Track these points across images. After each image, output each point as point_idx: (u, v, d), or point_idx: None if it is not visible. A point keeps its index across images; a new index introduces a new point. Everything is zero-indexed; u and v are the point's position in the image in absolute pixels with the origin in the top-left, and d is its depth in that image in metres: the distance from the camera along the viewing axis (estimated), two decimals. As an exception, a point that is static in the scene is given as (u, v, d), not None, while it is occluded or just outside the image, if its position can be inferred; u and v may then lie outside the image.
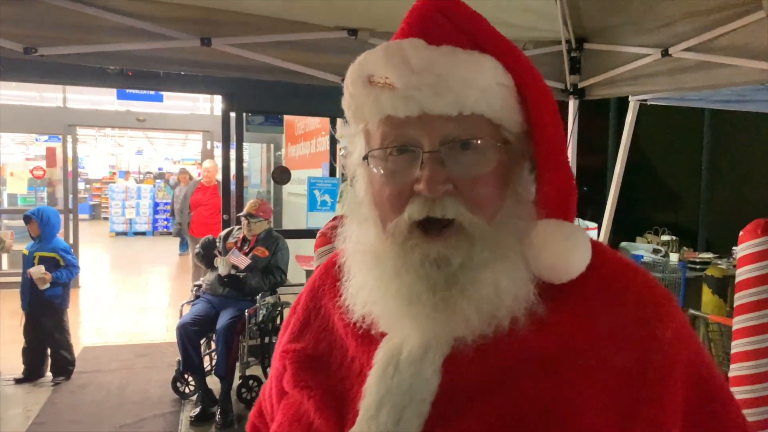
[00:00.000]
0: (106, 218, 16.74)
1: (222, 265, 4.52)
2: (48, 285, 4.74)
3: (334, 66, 3.04)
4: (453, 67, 0.70)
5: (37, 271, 4.72)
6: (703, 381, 0.73)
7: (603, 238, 3.83)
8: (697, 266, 4.82)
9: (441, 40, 0.72)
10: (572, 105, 3.63)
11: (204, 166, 8.30)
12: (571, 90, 3.55)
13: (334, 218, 3.78)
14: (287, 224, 8.04)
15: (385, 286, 0.73)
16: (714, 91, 3.47)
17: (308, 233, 5.35)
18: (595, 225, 5.22)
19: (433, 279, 0.70)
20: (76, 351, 5.24)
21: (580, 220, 4.46)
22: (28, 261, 4.82)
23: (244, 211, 4.67)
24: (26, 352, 4.92)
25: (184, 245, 11.22)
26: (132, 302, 8.11)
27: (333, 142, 6.28)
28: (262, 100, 5.44)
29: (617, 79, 3.30)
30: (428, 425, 0.68)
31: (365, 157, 0.75)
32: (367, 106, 0.73)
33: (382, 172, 0.73)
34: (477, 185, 0.71)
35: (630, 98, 3.65)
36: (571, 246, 0.72)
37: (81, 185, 16.44)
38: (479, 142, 0.71)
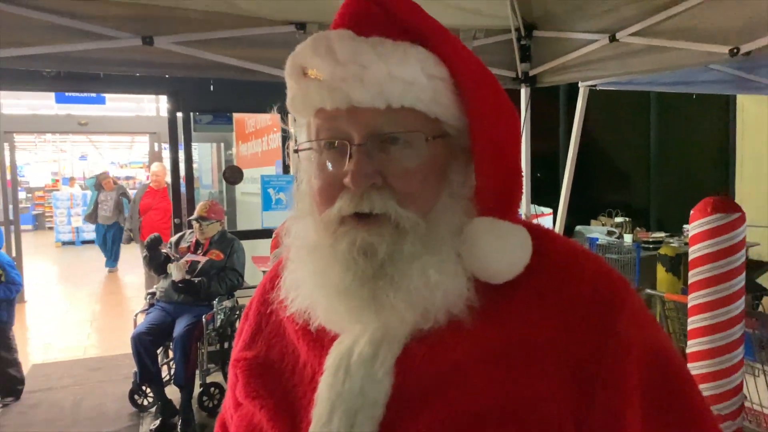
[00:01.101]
0: (51, 228, 16.08)
1: (176, 271, 4.37)
2: None
3: (282, 61, 2.92)
4: (377, 58, 0.68)
5: None
6: (661, 362, 0.73)
7: (559, 222, 3.88)
8: (651, 246, 4.94)
9: (370, 31, 0.70)
10: (524, 93, 3.66)
11: (152, 170, 8.07)
12: (523, 78, 3.57)
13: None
14: (242, 225, 7.88)
15: (317, 280, 0.72)
16: (661, 74, 3.54)
17: (264, 233, 5.24)
18: (550, 210, 5.30)
19: (360, 268, 0.69)
20: (25, 369, 5.00)
21: (534, 206, 4.52)
22: None
23: (195, 215, 4.53)
24: None
25: (111, 261, 10.54)
26: (82, 315, 7.81)
27: (285, 138, 6.16)
28: (210, 98, 5.29)
29: (567, 66, 3.34)
30: (383, 428, 0.67)
31: (296, 150, 0.75)
32: (299, 98, 0.72)
33: (315, 165, 0.73)
34: (407, 179, 0.70)
35: (580, 84, 3.69)
36: (500, 246, 0.71)
37: (22, 194, 15.74)
38: (408, 135, 0.70)
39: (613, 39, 2.96)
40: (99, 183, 10.01)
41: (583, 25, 3.12)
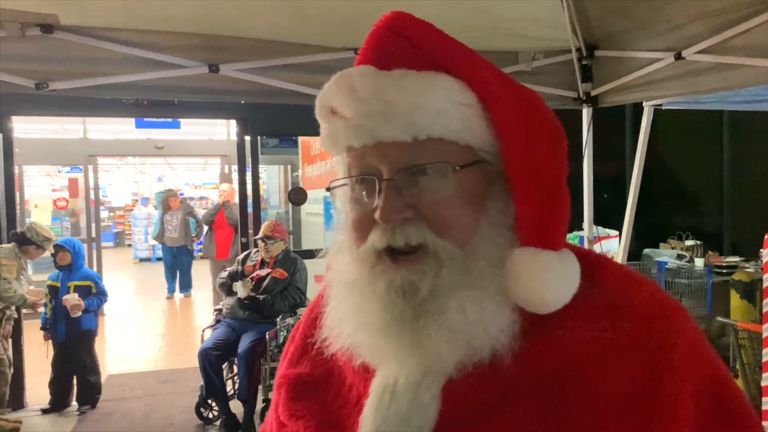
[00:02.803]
0: (129, 245, 16.95)
1: (241, 288, 4.52)
2: (80, 313, 4.81)
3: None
4: (400, 92, 0.67)
5: (73, 298, 4.78)
6: (719, 397, 0.69)
7: (623, 245, 3.77)
8: (724, 271, 4.68)
9: (393, 63, 0.70)
10: (586, 113, 3.59)
11: (221, 189, 8.38)
12: (584, 98, 3.51)
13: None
14: (306, 244, 8.05)
15: (358, 318, 0.71)
16: (730, 92, 3.40)
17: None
18: (616, 233, 5.14)
19: (399, 309, 0.68)
20: (102, 379, 5.27)
21: (597, 228, 4.39)
22: (62, 291, 4.86)
23: (260, 234, 4.69)
24: (54, 382, 4.94)
25: (186, 287, 10.09)
26: (155, 328, 8.16)
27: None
28: (276, 122, 5.48)
29: (630, 85, 3.25)
30: None
31: (328, 188, 0.75)
32: (329, 137, 0.73)
33: (350, 200, 0.73)
34: (441, 208, 0.69)
35: (644, 104, 3.59)
36: (544, 278, 0.68)
37: (104, 213, 16.69)
38: (435, 166, 0.68)
39: (678, 57, 2.87)
40: (166, 201, 9.80)
41: (647, 43, 3.04)
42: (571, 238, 5.57)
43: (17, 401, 4.92)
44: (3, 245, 4.73)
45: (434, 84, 0.69)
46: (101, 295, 5.03)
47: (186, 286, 10.08)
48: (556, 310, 0.69)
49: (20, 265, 4.66)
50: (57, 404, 4.92)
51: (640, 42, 3.09)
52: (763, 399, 2.50)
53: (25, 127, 9.46)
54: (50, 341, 4.96)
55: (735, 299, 3.79)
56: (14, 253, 4.62)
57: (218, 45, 2.73)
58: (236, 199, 7.55)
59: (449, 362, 0.68)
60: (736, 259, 5.07)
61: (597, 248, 4.96)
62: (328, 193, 0.77)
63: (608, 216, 5.46)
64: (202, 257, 9.46)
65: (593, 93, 3.48)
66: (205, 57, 2.72)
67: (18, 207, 6.11)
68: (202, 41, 2.69)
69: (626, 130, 7.32)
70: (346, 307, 0.74)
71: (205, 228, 8.25)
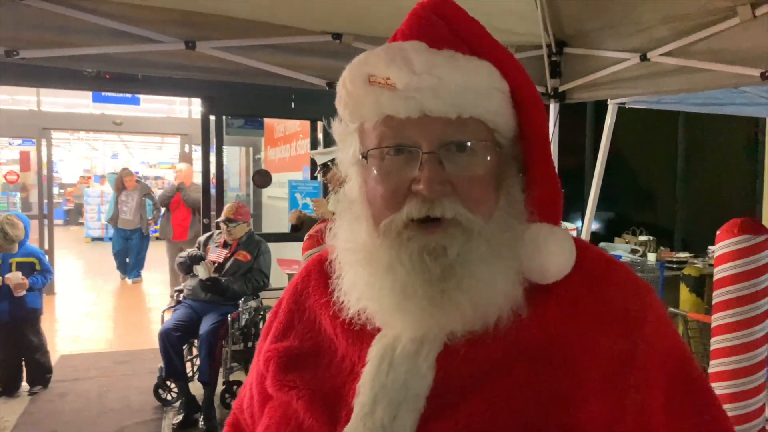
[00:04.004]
0: (81, 223, 16.45)
1: (203, 270, 4.48)
2: (24, 291, 4.65)
3: (318, 69, 3.04)
4: (453, 71, 0.71)
5: (15, 277, 4.62)
6: (683, 367, 0.78)
7: (583, 238, 3.90)
8: (674, 266, 4.91)
9: (441, 44, 0.74)
10: (553, 108, 3.68)
11: (178, 168, 8.19)
12: (552, 93, 3.60)
13: (322, 221, 3.79)
14: (267, 228, 8.00)
15: (378, 282, 0.74)
16: (691, 94, 3.55)
17: (289, 237, 5.33)
18: (574, 226, 5.30)
19: (428, 270, 0.71)
20: (53, 359, 5.14)
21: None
22: (4, 269, 4.70)
23: (222, 216, 4.64)
24: (2, 365, 4.76)
25: (136, 272, 9.42)
26: (109, 308, 7.99)
27: (314, 144, 6.28)
28: (243, 103, 5.42)
29: (597, 83, 3.36)
30: (423, 420, 0.70)
31: (364, 156, 0.75)
32: (366, 105, 0.73)
33: (378, 171, 0.74)
34: (473, 186, 0.73)
35: (609, 101, 3.71)
36: (560, 250, 0.75)
37: (56, 190, 16.14)
38: (476, 144, 0.73)
39: (644, 58, 2.98)
40: (120, 180, 9.16)
41: (615, 43, 3.15)
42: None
43: (-36, 382, 4.75)
44: None
45: (480, 68, 0.74)
46: (46, 273, 4.84)
47: (136, 269, 9.49)
48: (557, 280, 0.75)
49: None
50: (7, 387, 4.75)
51: (608, 41, 3.19)
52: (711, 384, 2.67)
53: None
54: None
55: (684, 293, 3.98)
56: None
57: (196, 21, 2.68)
58: (195, 180, 7.43)
59: (466, 323, 0.72)
60: (686, 255, 5.32)
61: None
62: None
63: (566, 210, 5.63)
64: (157, 238, 8.97)
65: (561, 89, 3.58)
66: (181, 33, 2.68)
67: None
68: (181, 17, 2.65)
69: (587, 125, 7.52)
70: (361, 274, 0.76)
71: (162, 210, 7.97)
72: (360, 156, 0.76)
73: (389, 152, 0.73)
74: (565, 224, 5.62)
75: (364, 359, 0.75)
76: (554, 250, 0.74)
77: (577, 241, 0.81)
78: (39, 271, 4.80)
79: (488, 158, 0.74)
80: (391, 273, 0.72)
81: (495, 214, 0.75)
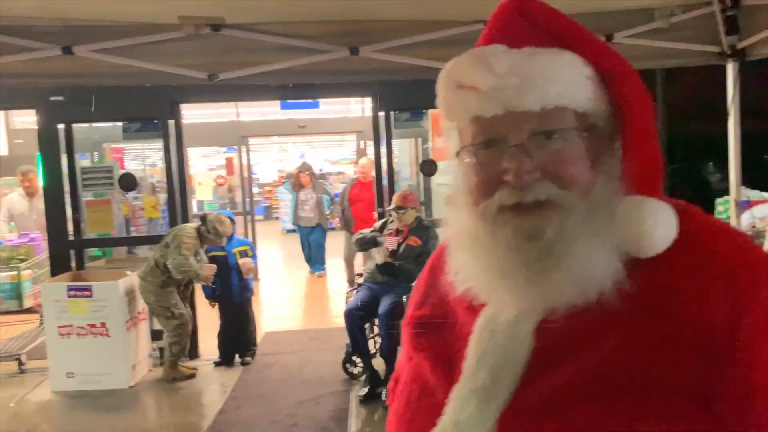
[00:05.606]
0: (277, 218, 18.28)
1: (378, 255, 4.86)
2: (252, 275, 5.50)
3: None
4: (534, 68, 0.76)
5: (249, 261, 5.48)
6: None
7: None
8: None
9: (522, 42, 0.79)
10: (731, 68, 3.41)
11: (360, 163, 8.70)
12: (729, 52, 3.33)
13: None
14: (437, 213, 8.25)
15: (480, 263, 0.80)
16: None
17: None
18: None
19: (524, 252, 0.75)
20: (259, 336, 5.92)
21: (749, 192, 4.11)
22: (231, 257, 5.46)
23: (392, 205, 4.95)
24: (224, 338, 5.53)
25: (319, 265, 9.49)
26: (303, 292, 8.87)
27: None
28: (407, 97, 5.70)
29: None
30: (520, 383, 0.76)
31: (458, 153, 0.83)
32: (457, 107, 0.81)
33: (473, 164, 0.81)
34: (565, 167, 0.77)
35: (799, 55, 3.33)
36: (653, 222, 0.75)
37: (255, 189, 18.11)
38: (562, 131, 0.77)
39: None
40: (297, 180, 9.38)
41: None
42: (721, 203, 5.24)
43: (193, 352, 5.66)
44: (187, 225, 5.27)
45: (562, 59, 0.78)
46: (254, 258, 5.71)
47: (319, 263, 9.70)
48: (657, 253, 0.75)
49: (198, 245, 5.14)
50: (225, 358, 5.53)
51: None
52: None
53: (185, 114, 10.57)
54: (217, 304, 5.53)
55: None
56: (195, 234, 5.10)
57: (357, 30, 2.98)
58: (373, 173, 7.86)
59: (565, 300, 0.75)
60: None
61: (748, 216, 4.62)
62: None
63: (761, 178, 5.07)
64: (340, 228, 9.08)
65: (740, 46, 3.29)
66: (345, 41, 2.99)
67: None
68: (343, 27, 2.96)
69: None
70: (467, 255, 0.83)
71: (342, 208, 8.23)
72: (458, 152, 0.83)
73: (481, 147, 0.79)
74: (763, 195, 5.07)
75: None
76: (649, 221, 0.75)
77: (687, 210, 0.81)
78: (250, 257, 5.62)
79: (578, 141, 0.77)
80: (490, 255, 0.78)
81: (592, 190, 0.77)
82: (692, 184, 8.22)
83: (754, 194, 4.92)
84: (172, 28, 2.74)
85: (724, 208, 4.40)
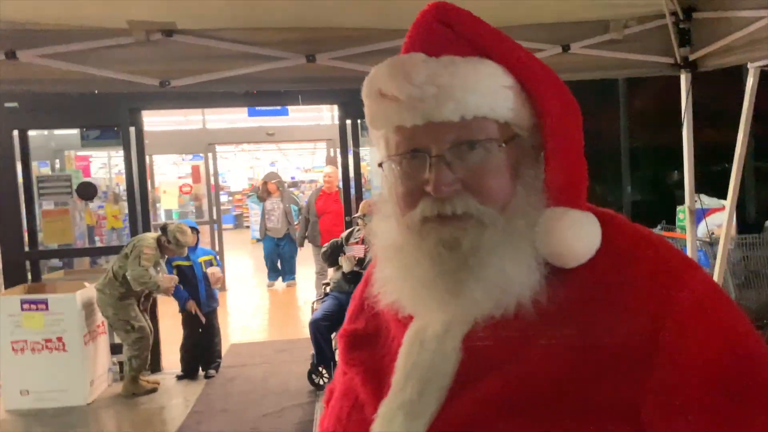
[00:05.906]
0: (248, 227, 18.11)
1: (346, 263, 4.82)
2: (220, 284, 5.42)
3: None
4: (452, 78, 0.75)
5: (217, 270, 5.38)
6: (734, 348, 0.70)
7: (727, 216, 3.62)
8: None
9: (441, 50, 0.77)
10: (684, 79, 3.46)
11: (325, 172, 8.48)
12: (683, 63, 3.39)
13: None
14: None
15: (404, 275, 0.80)
16: None
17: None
18: (722, 204, 4.86)
19: (446, 262, 0.75)
20: (225, 348, 5.81)
21: (701, 198, 4.17)
22: (196, 267, 5.36)
23: (358, 213, 4.95)
24: (187, 350, 5.40)
25: (290, 276, 9.36)
26: (270, 303, 8.76)
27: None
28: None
29: (733, 47, 3.10)
30: (448, 396, 0.75)
31: (380, 164, 0.82)
32: (380, 117, 0.80)
33: (397, 174, 0.80)
34: (485, 179, 0.76)
35: (749, 65, 3.40)
36: (574, 233, 0.75)
37: (224, 197, 17.92)
38: (483, 142, 0.76)
39: (785, 14, 2.71)
40: (264, 188, 9.08)
41: (748, 1, 2.89)
42: (681, 210, 5.31)
43: (155, 365, 5.53)
44: (148, 234, 5.13)
45: (481, 69, 0.77)
46: (218, 267, 5.62)
47: (289, 273, 9.54)
48: (580, 263, 0.75)
49: (158, 255, 5.01)
50: (188, 371, 5.40)
51: (740, 0, 2.94)
52: None
53: (152, 120, 10.40)
54: (198, 311, 5.27)
55: None
56: (155, 244, 4.97)
57: (315, 38, 2.95)
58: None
59: (483, 311, 0.75)
60: None
61: (703, 226, 4.69)
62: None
63: (721, 186, 5.16)
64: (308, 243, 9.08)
65: (692, 57, 3.34)
66: (303, 49, 2.96)
67: (149, 193, 6.75)
68: (301, 35, 2.93)
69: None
70: (393, 267, 0.82)
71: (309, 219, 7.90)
72: (383, 160, 0.82)
73: (405, 157, 0.78)
74: (721, 202, 5.16)
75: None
76: (568, 232, 0.74)
77: (611, 218, 0.81)
78: (215, 266, 5.54)
79: (498, 152, 0.77)
80: (414, 266, 0.78)
81: (511, 202, 0.77)
82: (656, 192, 8.36)
83: (713, 202, 5.00)
84: (121, 33, 2.68)
85: (684, 216, 4.46)
